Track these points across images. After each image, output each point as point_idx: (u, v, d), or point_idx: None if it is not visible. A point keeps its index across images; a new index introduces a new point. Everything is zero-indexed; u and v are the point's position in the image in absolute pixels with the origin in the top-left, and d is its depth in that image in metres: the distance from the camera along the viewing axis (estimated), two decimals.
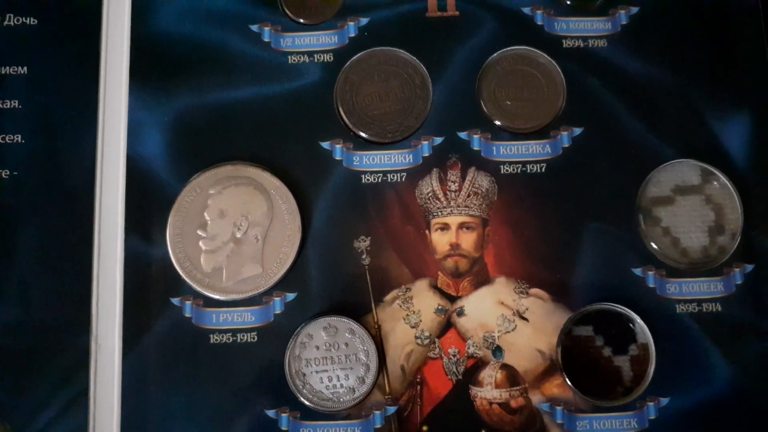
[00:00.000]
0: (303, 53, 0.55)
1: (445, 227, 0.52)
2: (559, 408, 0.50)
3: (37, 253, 0.52)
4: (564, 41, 0.55)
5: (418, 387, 0.50)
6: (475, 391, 0.50)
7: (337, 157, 0.53)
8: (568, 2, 0.56)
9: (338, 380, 0.50)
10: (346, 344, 0.50)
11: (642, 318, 0.50)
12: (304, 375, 0.50)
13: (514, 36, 0.55)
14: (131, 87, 0.54)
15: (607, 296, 0.51)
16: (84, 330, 0.51)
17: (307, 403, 0.49)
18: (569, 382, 0.50)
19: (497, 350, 0.51)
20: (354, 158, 0.53)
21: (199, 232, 0.52)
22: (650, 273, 0.52)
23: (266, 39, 0.55)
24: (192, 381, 0.50)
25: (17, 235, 0.52)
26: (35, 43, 0.54)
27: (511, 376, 0.50)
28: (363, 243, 0.52)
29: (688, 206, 0.52)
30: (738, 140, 0.53)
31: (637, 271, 0.52)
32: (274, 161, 0.53)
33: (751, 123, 0.53)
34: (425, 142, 0.53)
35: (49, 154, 0.53)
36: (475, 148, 0.53)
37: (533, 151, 0.53)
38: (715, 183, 0.53)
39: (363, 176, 0.53)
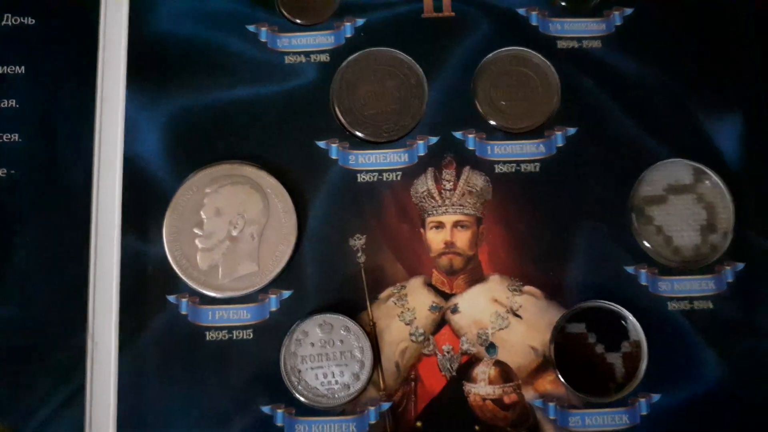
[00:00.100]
0: (299, 53, 0.55)
1: (439, 225, 0.53)
2: (551, 404, 0.50)
3: (35, 251, 0.52)
4: (558, 42, 0.55)
5: (413, 383, 0.51)
6: (468, 387, 0.50)
7: (333, 157, 0.53)
8: (563, 3, 0.56)
9: (333, 377, 0.50)
10: (341, 341, 0.50)
11: (634, 315, 0.50)
12: (300, 371, 0.50)
13: (509, 37, 0.55)
14: (128, 86, 0.54)
15: (599, 294, 0.51)
16: (81, 328, 0.51)
17: (302, 399, 0.50)
18: (562, 379, 0.50)
19: (491, 347, 0.51)
20: (350, 157, 0.54)
21: (196, 231, 0.52)
22: (643, 271, 0.52)
23: (263, 39, 0.55)
24: (188, 378, 0.50)
25: (14, 233, 0.52)
26: (33, 42, 0.54)
27: (505, 373, 0.51)
28: (358, 241, 0.52)
29: (680, 205, 0.53)
30: (730, 140, 0.54)
31: (630, 269, 0.52)
32: (271, 160, 0.53)
33: (743, 123, 0.54)
34: (420, 142, 0.54)
35: (47, 153, 0.53)
36: (470, 148, 0.54)
37: (527, 151, 0.54)
38: (707, 182, 0.53)
39: (359, 175, 0.53)
